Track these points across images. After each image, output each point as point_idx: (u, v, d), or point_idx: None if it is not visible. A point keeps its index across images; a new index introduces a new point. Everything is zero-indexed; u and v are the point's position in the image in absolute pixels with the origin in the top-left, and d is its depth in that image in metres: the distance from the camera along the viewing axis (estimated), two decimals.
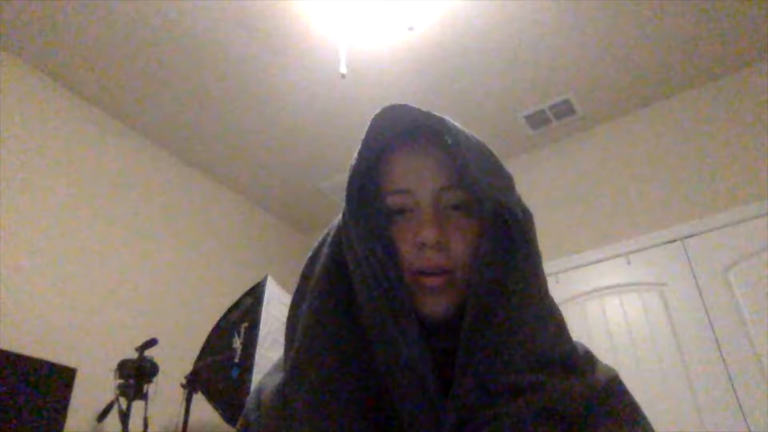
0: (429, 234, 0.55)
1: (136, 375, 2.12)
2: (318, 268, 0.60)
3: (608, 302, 2.67)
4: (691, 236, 2.58)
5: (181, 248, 3.03)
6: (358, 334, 0.56)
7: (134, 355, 2.17)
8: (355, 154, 0.60)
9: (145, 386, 2.14)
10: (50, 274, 2.37)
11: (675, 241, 2.61)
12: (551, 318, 0.57)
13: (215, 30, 2.43)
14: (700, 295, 2.45)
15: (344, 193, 0.59)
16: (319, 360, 0.55)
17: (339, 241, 0.60)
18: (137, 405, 2.12)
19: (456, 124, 0.58)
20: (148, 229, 2.87)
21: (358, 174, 0.59)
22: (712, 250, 2.51)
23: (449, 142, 0.57)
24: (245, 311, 2.34)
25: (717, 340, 2.34)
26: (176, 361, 2.41)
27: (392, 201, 0.58)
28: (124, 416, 2.05)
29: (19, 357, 2.11)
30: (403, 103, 0.57)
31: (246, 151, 3.16)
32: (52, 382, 2.17)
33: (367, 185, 0.59)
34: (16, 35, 2.38)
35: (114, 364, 2.17)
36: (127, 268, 2.70)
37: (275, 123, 2.97)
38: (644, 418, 0.56)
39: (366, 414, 0.53)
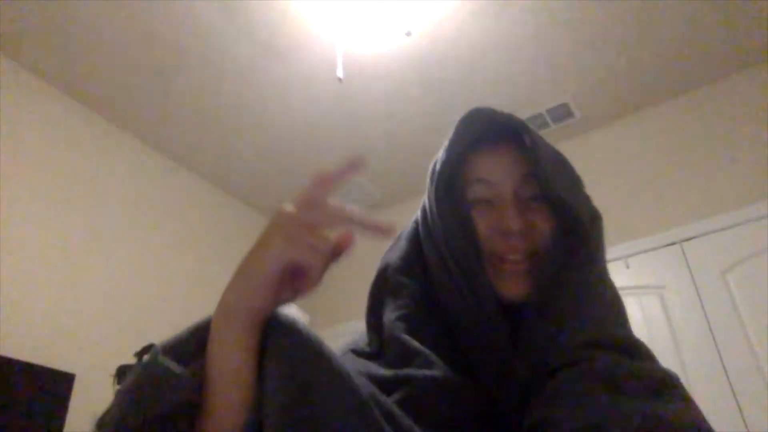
0: (513, 223, 0.58)
1: None
2: (398, 261, 0.65)
3: None
4: (689, 239, 2.58)
5: (180, 253, 3.03)
6: (441, 321, 0.59)
7: (133, 361, 2.16)
8: (441, 151, 0.65)
9: None
10: (49, 279, 2.37)
11: (673, 244, 2.61)
12: (612, 308, 0.60)
13: (212, 33, 2.43)
14: (699, 297, 2.45)
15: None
16: (420, 337, 0.57)
17: (416, 234, 0.65)
18: None
19: (533, 128, 0.63)
20: (147, 234, 2.87)
21: (448, 167, 0.63)
22: (711, 252, 2.51)
23: (528, 142, 0.60)
24: None
25: (716, 343, 2.34)
26: None
27: (475, 190, 0.62)
28: None
29: (18, 363, 2.11)
30: (487, 106, 0.64)
31: (244, 154, 3.17)
32: (50, 388, 2.17)
33: (451, 178, 0.63)
34: (15, 39, 2.39)
35: (113, 370, 2.17)
36: (126, 273, 2.70)
37: (273, 126, 2.97)
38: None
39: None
